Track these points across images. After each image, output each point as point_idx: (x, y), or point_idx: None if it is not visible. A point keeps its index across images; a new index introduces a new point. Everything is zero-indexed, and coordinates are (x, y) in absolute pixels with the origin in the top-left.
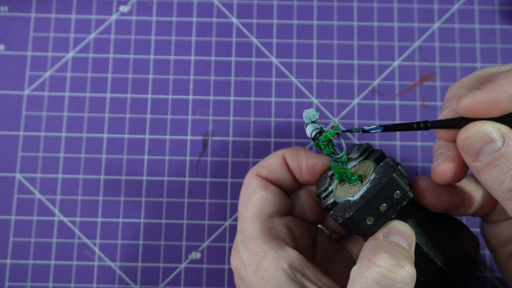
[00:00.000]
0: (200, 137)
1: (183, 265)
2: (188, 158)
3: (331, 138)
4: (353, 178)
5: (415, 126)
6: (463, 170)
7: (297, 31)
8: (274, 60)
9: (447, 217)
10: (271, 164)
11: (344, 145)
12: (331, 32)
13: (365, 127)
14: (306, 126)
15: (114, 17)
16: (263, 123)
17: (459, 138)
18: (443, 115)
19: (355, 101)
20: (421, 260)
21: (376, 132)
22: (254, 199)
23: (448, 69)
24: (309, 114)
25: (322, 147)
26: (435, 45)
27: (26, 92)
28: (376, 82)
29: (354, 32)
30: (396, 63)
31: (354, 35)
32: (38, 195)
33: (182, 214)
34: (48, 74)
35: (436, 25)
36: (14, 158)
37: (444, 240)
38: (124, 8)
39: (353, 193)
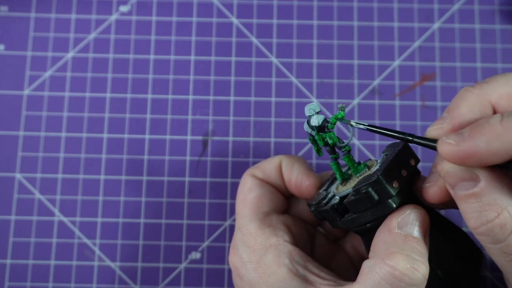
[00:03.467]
0: (200, 137)
1: (183, 265)
2: (188, 158)
3: (340, 118)
4: (359, 167)
5: (401, 135)
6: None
7: (297, 31)
8: (274, 60)
9: (454, 228)
10: (267, 168)
11: (350, 129)
12: (331, 32)
13: (353, 122)
14: (309, 119)
15: (114, 17)
16: (263, 123)
17: (438, 166)
18: (430, 130)
19: (355, 101)
20: None
21: (360, 128)
22: (250, 197)
23: (448, 69)
24: (313, 106)
25: (328, 137)
26: (435, 45)
27: (26, 92)
28: (376, 82)
29: (354, 32)
30: (396, 63)
31: (354, 35)
32: (38, 195)
33: (182, 214)
34: (48, 74)
35: (436, 25)
36: (14, 158)
37: (448, 250)
38: (124, 8)
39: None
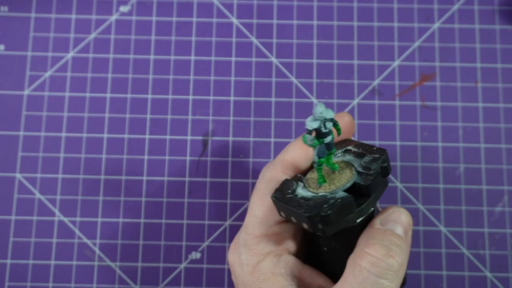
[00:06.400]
0: (200, 137)
1: (183, 265)
2: (188, 158)
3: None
4: (324, 182)
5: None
6: None
7: (297, 31)
8: (274, 60)
9: None
10: (296, 156)
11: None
12: (331, 32)
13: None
14: (313, 119)
15: (114, 17)
16: (263, 123)
17: None
18: None
19: (355, 101)
20: None
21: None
22: (270, 200)
23: (448, 69)
24: (319, 111)
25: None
26: (435, 45)
27: (26, 92)
28: (376, 82)
29: (354, 32)
30: (396, 63)
31: (354, 35)
32: (38, 195)
33: (182, 214)
34: (48, 74)
35: (436, 25)
36: (14, 158)
37: None
38: (124, 8)
39: (332, 190)
